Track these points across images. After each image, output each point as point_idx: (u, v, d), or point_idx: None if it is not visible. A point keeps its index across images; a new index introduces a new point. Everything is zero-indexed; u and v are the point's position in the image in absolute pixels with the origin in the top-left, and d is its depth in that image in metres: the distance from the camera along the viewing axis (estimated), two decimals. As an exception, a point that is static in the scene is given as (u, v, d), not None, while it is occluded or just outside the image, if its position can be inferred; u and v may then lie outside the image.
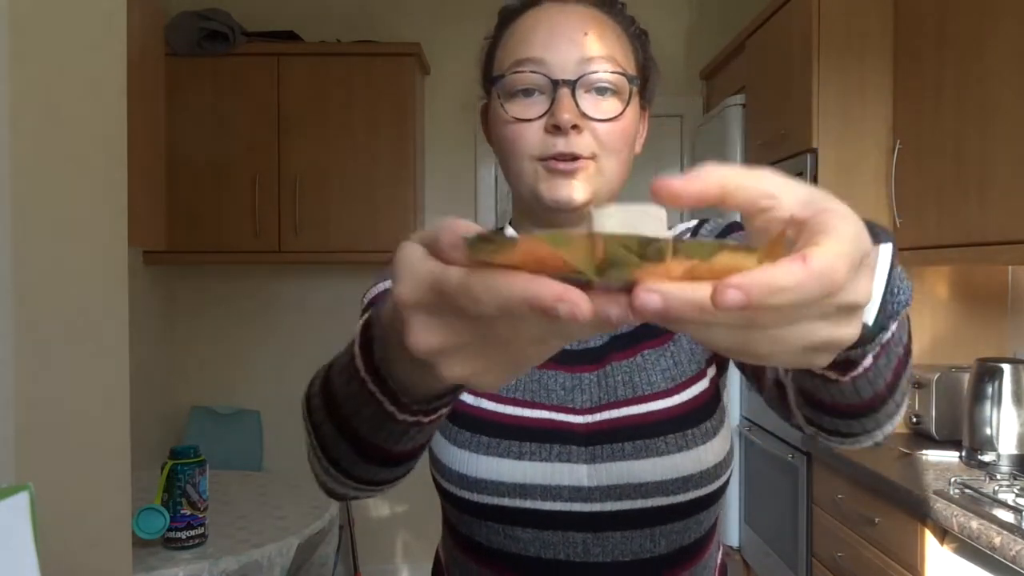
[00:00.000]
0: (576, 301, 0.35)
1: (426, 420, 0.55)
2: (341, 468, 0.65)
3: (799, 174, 2.55)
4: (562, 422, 0.85)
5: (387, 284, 0.89)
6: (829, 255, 0.35)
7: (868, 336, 0.52)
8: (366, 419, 0.57)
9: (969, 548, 1.70)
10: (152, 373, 3.53)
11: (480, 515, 0.84)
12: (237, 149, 3.39)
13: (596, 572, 0.84)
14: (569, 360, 0.88)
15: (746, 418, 3.07)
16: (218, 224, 3.39)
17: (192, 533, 1.97)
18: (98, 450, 1.12)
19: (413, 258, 0.40)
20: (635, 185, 1.08)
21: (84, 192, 1.08)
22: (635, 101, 0.87)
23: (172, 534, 1.95)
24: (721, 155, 3.19)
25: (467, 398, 0.87)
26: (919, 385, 2.36)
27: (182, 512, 1.96)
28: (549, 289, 0.35)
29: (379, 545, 3.77)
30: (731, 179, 0.40)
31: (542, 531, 0.84)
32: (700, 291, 0.34)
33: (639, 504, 0.83)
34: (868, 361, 0.55)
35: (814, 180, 2.49)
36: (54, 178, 1.00)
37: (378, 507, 3.79)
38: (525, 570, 0.85)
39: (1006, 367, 2.04)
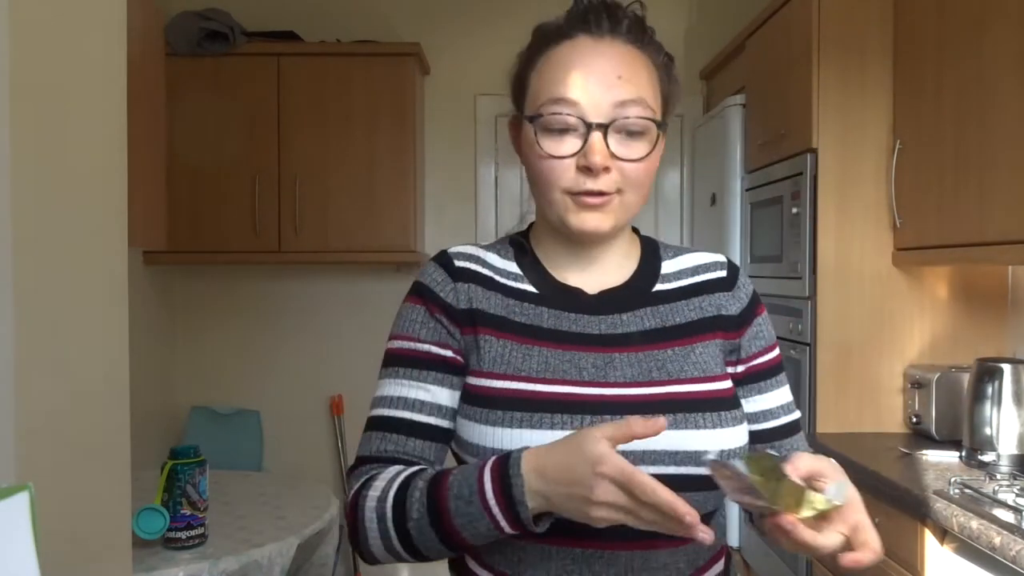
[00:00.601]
0: (697, 521, 0.72)
1: (520, 532, 0.81)
2: (418, 553, 0.87)
3: (799, 174, 2.55)
4: (595, 395, 0.91)
5: (405, 344, 0.98)
6: (878, 543, 0.78)
7: None
8: (476, 528, 0.82)
9: (969, 548, 1.70)
10: (152, 373, 3.53)
11: None
12: (237, 149, 3.38)
13: (621, 531, 0.88)
14: (600, 342, 0.95)
15: (746, 418, 3.07)
16: (218, 224, 3.39)
17: (192, 533, 1.97)
18: (98, 450, 1.12)
19: (613, 455, 0.74)
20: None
21: (84, 192, 1.08)
22: (661, 139, 0.94)
23: (172, 534, 1.95)
24: (721, 155, 3.19)
25: (499, 382, 0.93)
26: (919, 385, 2.36)
27: (182, 512, 1.96)
28: (687, 508, 0.71)
29: (379, 545, 3.76)
30: (813, 468, 0.80)
31: None
32: (807, 533, 0.75)
33: (670, 470, 0.89)
34: None
35: (814, 180, 2.49)
36: (54, 178, 1.00)
37: (378, 507, 3.79)
38: (554, 532, 0.88)
39: (1006, 367, 2.04)
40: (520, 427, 0.89)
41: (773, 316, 2.78)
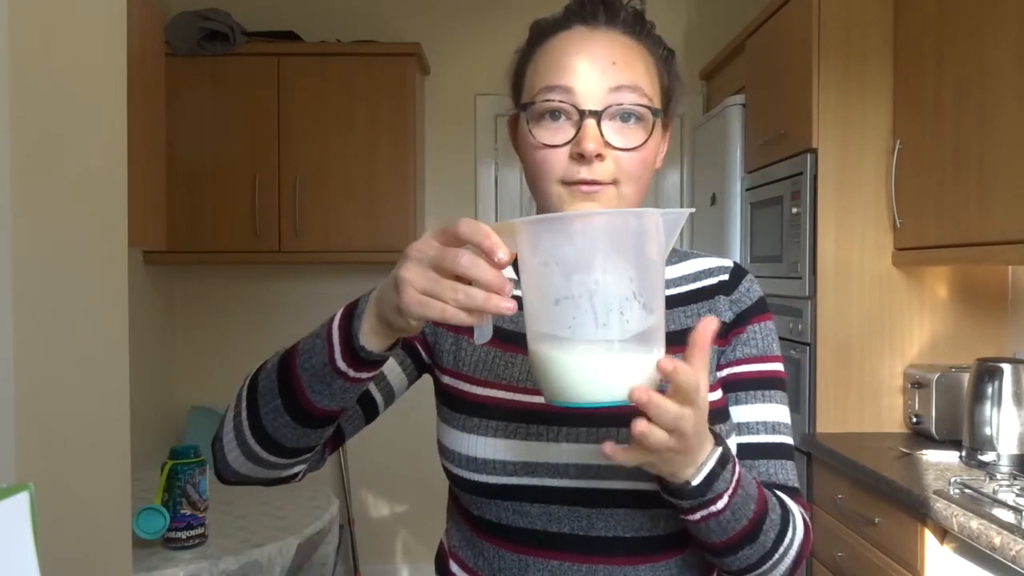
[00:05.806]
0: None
1: (363, 376, 0.78)
2: (264, 433, 0.84)
3: (799, 174, 2.55)
4: (574, 408, 0.88)
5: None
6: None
7: (690, 493, 0.75)
8: (311, 361, 0.79)
9: (969, 548, 1.70)
10: (152, 373, 3.52)
11: (490, 494, 0.89)
12: (237, 149, 3.38)
13: (599, 546, 0.89)
14: None
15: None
16: (218, 224, 3.39)
17: (192, 533, 1.97)
18: (98, 450, 1.12)
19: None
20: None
21: (84, 192, 1.08)
22: (658, 129, 0.90)
23: (172, 534, 1.95)
24: (721, 155, 3.19)
25: (479, 389, 0.92)
26: (919, 385, 2.36)
27: (182, 512, 1.96)
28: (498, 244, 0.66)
29: (379, 545, 3.76)
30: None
31: (549, 505, 0.88)
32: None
33: (647, 486, 0.86)
34: (698, 516, 0.77)
35: (814, 180, 2.49)
36: (54, 178, 1.00)
37: (378, 507, 3.79)
38: (532, 543, 0.90)
39: (1006, 367, 2.04)
40: (494, 436, 0.88)
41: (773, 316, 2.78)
